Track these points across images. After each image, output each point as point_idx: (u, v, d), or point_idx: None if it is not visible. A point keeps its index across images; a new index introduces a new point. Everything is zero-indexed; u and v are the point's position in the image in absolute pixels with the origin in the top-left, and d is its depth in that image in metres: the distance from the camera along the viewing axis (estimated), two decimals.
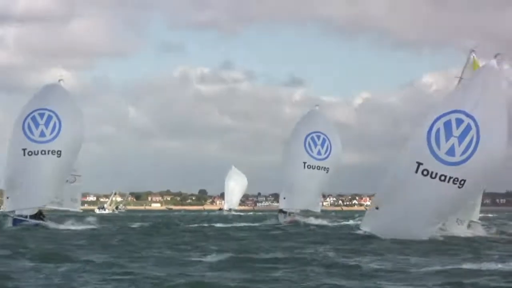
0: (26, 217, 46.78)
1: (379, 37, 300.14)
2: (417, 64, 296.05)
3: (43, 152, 45.54)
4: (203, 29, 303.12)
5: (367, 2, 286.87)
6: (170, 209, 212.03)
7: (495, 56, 37.71)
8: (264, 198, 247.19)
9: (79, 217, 53.32)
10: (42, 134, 45.75)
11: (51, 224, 47.30)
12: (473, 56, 38.75)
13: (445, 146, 33.57)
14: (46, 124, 45.89)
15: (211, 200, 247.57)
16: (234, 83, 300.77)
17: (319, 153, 62.87)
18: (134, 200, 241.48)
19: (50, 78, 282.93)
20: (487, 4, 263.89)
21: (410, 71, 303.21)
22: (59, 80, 48.91)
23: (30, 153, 45.46)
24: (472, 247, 30.19)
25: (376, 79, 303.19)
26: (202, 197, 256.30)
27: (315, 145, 62.97)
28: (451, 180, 33.16)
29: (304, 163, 62.58)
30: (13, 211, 46.87)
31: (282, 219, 63.05)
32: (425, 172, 33.42)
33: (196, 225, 56.55)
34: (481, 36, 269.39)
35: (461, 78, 38.16)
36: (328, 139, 63.28)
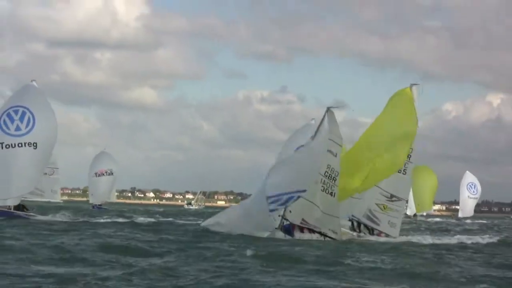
0: (10, 208, 48.47)
1: (406, 70, 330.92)
2: (439, 95, 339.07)
3: (20, 145, 47.02)
4: (263, 59, 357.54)
5: (397, 40, 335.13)
6: None
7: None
8: None
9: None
10: (18, 128, 47.36)
11: (34, 216, 49.18)
12: (412, 89, 40.53)
13: None
14: (21, 119, 47.53)
15: None
16: (288, 104, 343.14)
17: None
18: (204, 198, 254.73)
19: (139, 95, 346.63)
20: (501, 44, 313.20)
21: (432, 100, 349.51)
22: (32, 81, 50.08)
23: (7, 146, 47.03)
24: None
25: None
26: None
27: None
28: None
29: None
30: None
31: None
32: None
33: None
34: (496, 72, 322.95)
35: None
36: None
